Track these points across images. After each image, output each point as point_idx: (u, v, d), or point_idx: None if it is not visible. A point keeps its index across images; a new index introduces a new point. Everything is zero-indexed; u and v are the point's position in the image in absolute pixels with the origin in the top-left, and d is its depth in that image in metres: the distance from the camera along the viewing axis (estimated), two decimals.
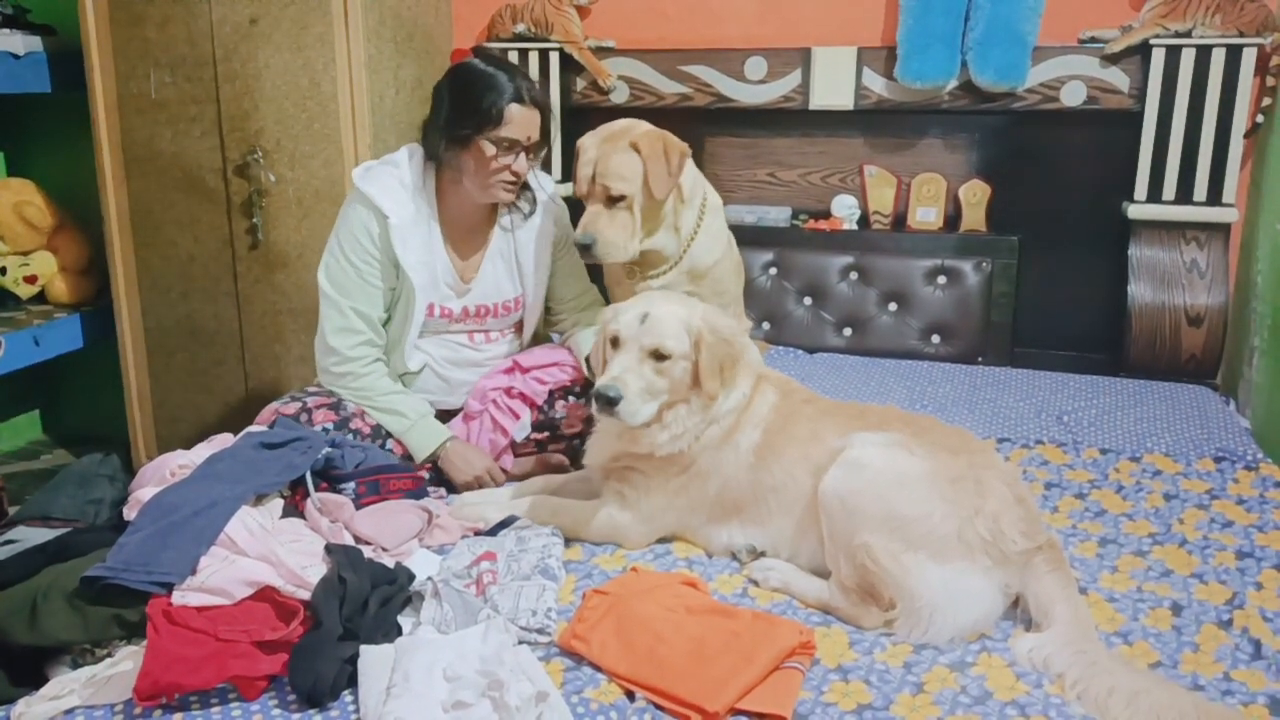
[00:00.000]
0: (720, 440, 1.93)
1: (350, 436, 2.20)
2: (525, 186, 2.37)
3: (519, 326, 2.50)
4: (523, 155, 2.22)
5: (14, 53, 3.21)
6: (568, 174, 2.86)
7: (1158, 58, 2.96)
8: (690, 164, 2.36)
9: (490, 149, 2.17)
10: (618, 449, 1.98)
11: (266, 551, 1.67)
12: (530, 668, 1.51)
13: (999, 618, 1.72)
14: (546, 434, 2.38)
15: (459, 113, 2.18)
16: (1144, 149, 3.02)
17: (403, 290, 2.27)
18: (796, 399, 1.99)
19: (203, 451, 1.97)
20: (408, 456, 2.26)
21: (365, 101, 3.04)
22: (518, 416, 2.31)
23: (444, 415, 2.45)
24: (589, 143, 2.30)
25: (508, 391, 2.32)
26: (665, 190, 2.24)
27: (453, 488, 2.26)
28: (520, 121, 2.18)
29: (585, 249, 2.26)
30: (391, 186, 2.23)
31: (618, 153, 2.23)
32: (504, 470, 2.32)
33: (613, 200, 2.24)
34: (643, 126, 2.31)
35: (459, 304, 2.35)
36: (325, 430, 2.17)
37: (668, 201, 2.32)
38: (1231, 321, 3.03)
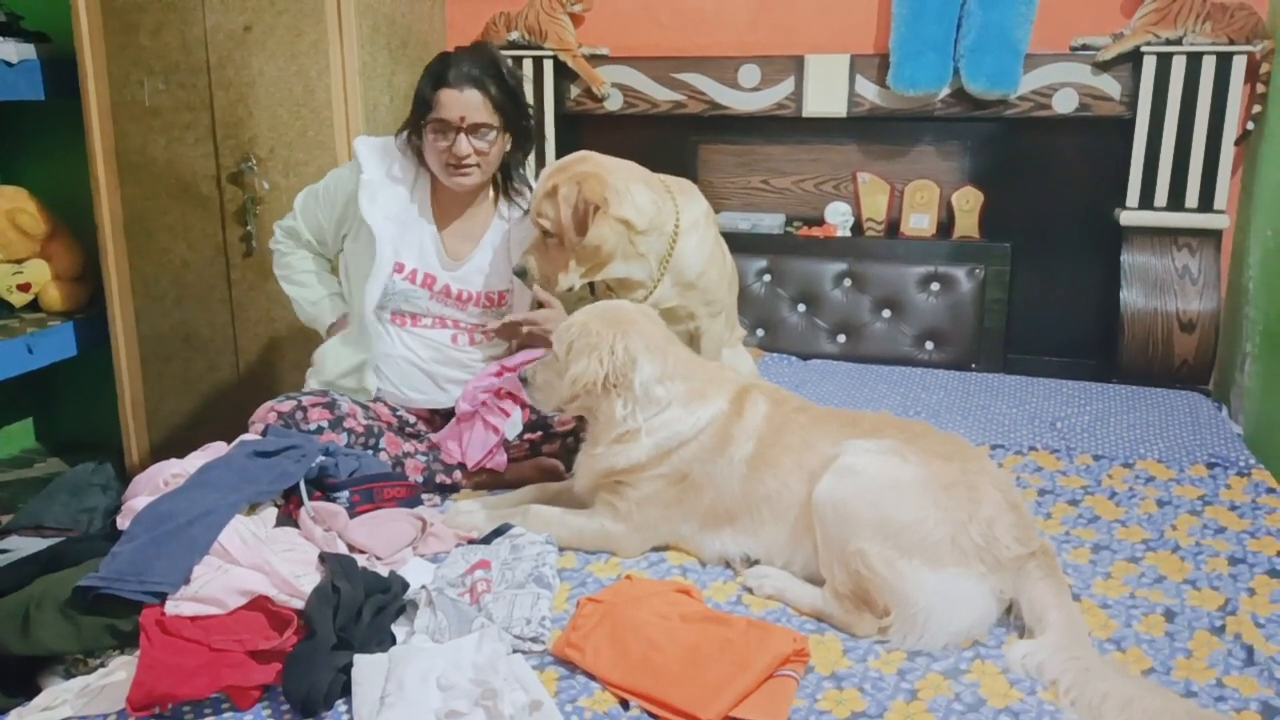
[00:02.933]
0: (712, 452, 1.93)
1: (344, 435, 2.21)
2: (527, 186, 2.46)
3: None
4: (461, 137, 2.29)
5: (7, 60, 3.21)
6: None
7: (1149, 65, 2.97)
8: (648, 195, 2.30)
9: (430, 133, 2.30)
10: (603, 467, 1.98)
11: (260, 560, 1.66)
12: (524, 676, 1.51)
13: (993, 624, 1.72)
14: (540, 434, 2.38)
15: (413, 104, 2.36)
16: (1136, 156, 3.04)
17: (362, 237, 2.38)
18: (788, 408, 1.99)
19: (196, 460, 1.97)
20: (398, 463, 2.26)
21: (359, 109, 3.04)
22: (509, 415, 2.32)
23: (437, 415, 2.46)
24: (543, 172, 2.35)
25: (497, 392, 2.33)
26: (572, 239, 2.22)
27: (445, 496, 2.27)
28: (449, 104, 2.28)
29: (519, 275, 2.33)
30: (380, 149, 2.41)
31: (544, 193, 2.26)
32: (499, 474, 2.33)
33: (546, 233, 2.27)
34: (581, 167, 2.26)
35: (444, 276, 2.40)
36: (319, 429, 2.18)
37: (615, 238, 2.27)
38: (1223, 327, 3.04)
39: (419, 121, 2.32)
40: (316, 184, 2.52)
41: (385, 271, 2.35)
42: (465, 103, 2.27)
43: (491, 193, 2.47)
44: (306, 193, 2.53)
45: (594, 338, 1.95)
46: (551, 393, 2.03)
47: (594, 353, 1.93)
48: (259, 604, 1.60)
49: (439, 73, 2.30)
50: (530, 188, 2.47)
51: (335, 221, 2.47)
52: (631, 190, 2.28)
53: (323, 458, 2.01)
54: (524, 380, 2.09)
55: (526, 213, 2.43)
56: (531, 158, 3.40)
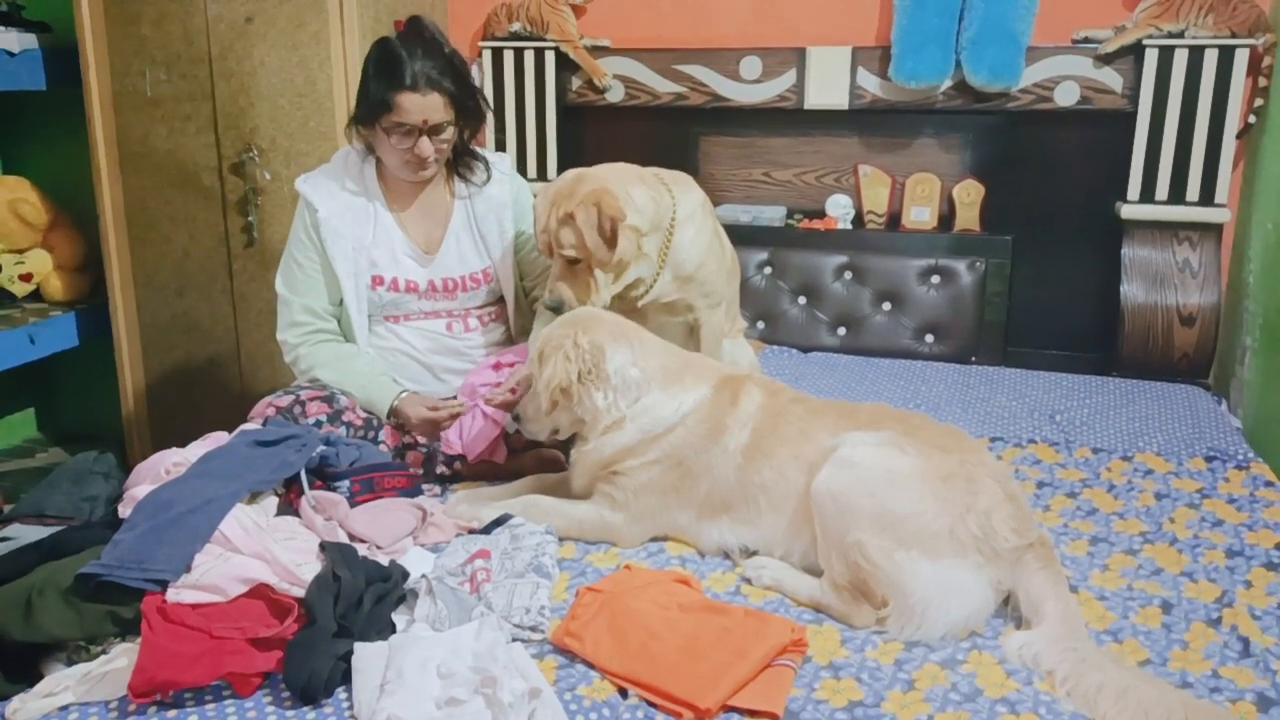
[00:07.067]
0: (705, 440, 1.94)
1: (343, 429, 2.21)
2: (477, 159, 2.44)
3: (499, 312, 2.51)
4: (424, 139, 2.25)
5: (9, 50, 3.21)
6: (559, 172, 2.83)
7: (1151, 58, 2.97)
8: (645, 193, 2.27)
9: (390, 135, 2.24)
10: (596, 459, 2.01)
11: (261, 549, 1.67)
12: (523, 665, 1.52)
13: (990, 615, 1.72)
14: None
15: (361, 98, 2.27)
16: (1137, 149, 3.04)
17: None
18: (784, 398, 2.00)
19: (197, 449, 1.97)
20: (399, 453, 2.26)
21: None
22: None
23: None
24: (540, 204, 2.28)
25: (496, 386, 2.33)
26: (604, 257, 2.20)
27: (446, 486, 2.27)
28: (412, 108, 2.20)
29: (555, 310, 2.25)
30: (322, 183, 2.35)
31: (561, 225, 2.21)
32: (499, 465, 2.33)
33: (570, 261, 2.24)
34: (585, 187, 2.21)
35: (424, 275, 2.39)
36: (318, 423, 2.19)
37: (629, 245, 2.24)
38: (1223, 321, 3.04)
39: (373, 121, 2.23)
40: (287, 254, 2.37)
41: (359, 297, 2.34)
42: (427, 106, 2.20)
43: (444, 174, 2.44)
44: (287, 268, 2.37)
45: (556, 340, 2.00)
46: (539, 417, 2.06)
47: (558, 352, 1.98)
48: (260, 592, 1.60)
49: (395, 74, 2.18)
50: (482, 159, 2.45)
51: (328, 266, 2.34)
52: (631, 194, 2.25)
53: (323, 447, 2.02)
54: (515, 418, 2.12)
55: (483, 185, 2.43)
56: (532, 157, 3.41)
